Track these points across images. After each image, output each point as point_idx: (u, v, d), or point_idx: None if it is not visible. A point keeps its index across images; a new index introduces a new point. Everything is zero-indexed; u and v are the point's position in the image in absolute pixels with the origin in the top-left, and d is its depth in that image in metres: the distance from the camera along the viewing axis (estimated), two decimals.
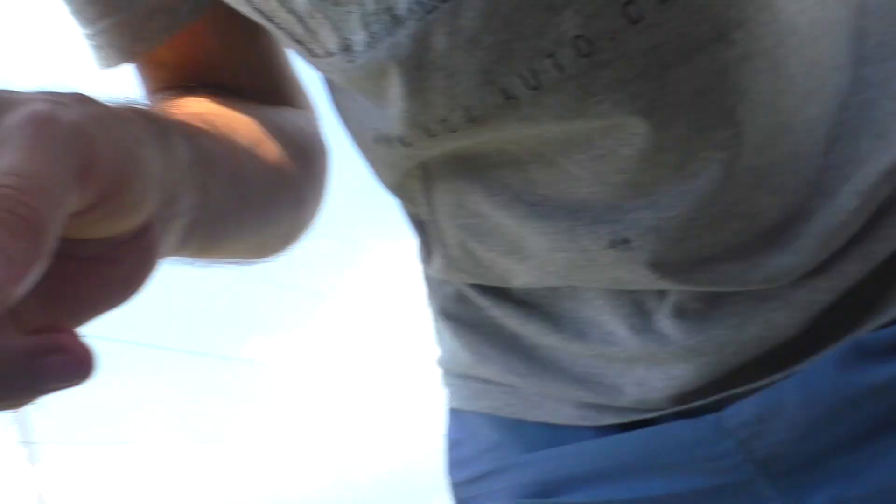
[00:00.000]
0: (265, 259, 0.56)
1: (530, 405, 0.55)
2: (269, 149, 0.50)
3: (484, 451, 0.58)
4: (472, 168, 0.46)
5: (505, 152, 0.44)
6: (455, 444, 0.60)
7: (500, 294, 0.53)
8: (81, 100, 0.31)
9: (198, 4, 0.49)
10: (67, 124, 0.28)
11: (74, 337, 0.27)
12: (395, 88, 0.41)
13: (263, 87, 0.56)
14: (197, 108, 0.48)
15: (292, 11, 0.42)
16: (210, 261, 0.50)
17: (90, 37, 0.51)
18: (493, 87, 0.39)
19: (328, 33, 0.41)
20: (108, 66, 0.52)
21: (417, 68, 0.40)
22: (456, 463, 0.60)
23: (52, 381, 0.27)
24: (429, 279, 0.59)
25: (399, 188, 0.50)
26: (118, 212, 0.30)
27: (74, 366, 0.27)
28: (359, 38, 0.41)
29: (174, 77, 0.54)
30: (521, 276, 0.50)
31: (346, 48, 0.41)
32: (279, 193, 0.51)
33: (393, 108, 0.43)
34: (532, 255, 0.47)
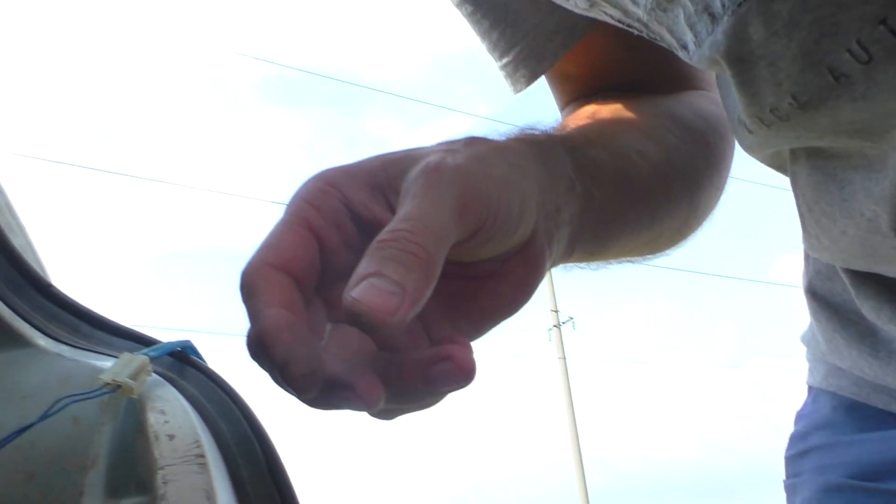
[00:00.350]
0: (660, 254, 0.57)
1: (877, 391, 0.53)
2: (662, 142, 0.52)
3: (819, 428, 0.58)
4: (826, 167, 0.43)
5: (855, 153, 0.40)
6: (798, 419, 0.62)
7: (868, 276, 0.49)
8: (470, 142, 0.38)
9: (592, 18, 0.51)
10: (450, 169, 0.34)
11: (461, 347, 0.33)
12: (731, 79, 0.41)
13: (665, 77, 0.59)
14: (591, 116, 0.53)
15: (638, 20, 0.44)
16: (602, 262, 0.53)
17: (503, 67, 0.59)
18: (818, 67, 0.36)
19: (667, 36, 0.43)
20: (520, 89, 0.59)
21: (739, 61, 0.39)
22: (794, 437, 0.61)
23: (441, 385, 0.33)
24: (805, 252, 0.56)
25: (770, 164, 0.48)
26: (499, 234, 0.36)
27: (459, 372, 0.32)
28: (689, 38, 0.41)
29: (580, 87, 0.60)
30: (884, 272, 0.46)
31: (683, 47, 0.42)
32: (671, 186, 0.52)
33: (735, 96, 0.42)
34: (885, 260, 0.44)
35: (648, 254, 0.57)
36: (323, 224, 0.36)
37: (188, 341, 0.63)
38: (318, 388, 0.31)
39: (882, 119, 0.37)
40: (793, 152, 0.45)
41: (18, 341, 0.63)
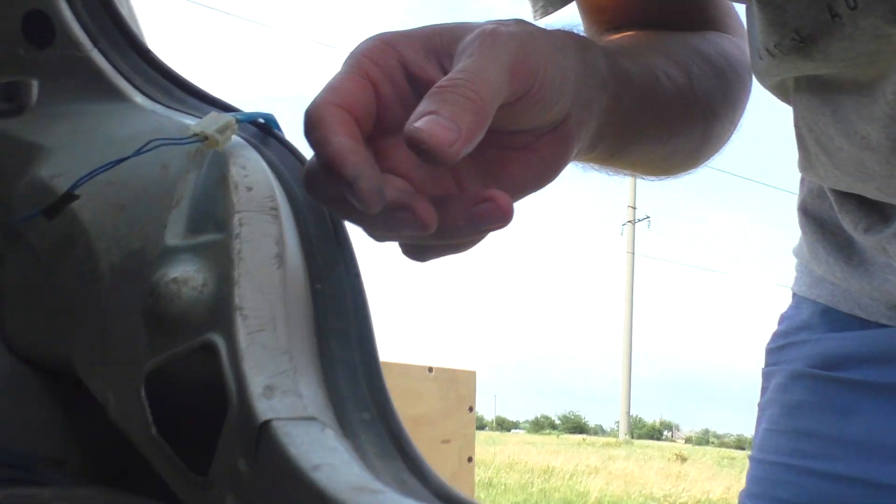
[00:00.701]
0: (669, 175, 0.63)
1: (847, 299, 0.63)
2: (686, 70, 0.56)
3: (797, 328, 0.69)
4: (822, 94, 0.49)
5: (848, 81, 0.47)
6: (781, 320, 0.71)
7: (851, 195, 0.57)
8: (519, 21, 0.41)
9: None
10: (505, 35, 0.38)
11: (502, 193, 0.37)
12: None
13: (693, 19, 0.63)
14: (622, 38, 0.58)
15: None
16: (617, 169, 0.59)
17: None
18: (821, 5, 0.43)
19: None
20: (551, 11, 0.62)
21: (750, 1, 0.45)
22: (775, 334, 0.72)
23: (482, 223, 0.37)
24: (802, 177, 0.65)
25: (776, 94, 0.55)
26: (541, 104, 0.40)
27: (499, 212, 0.37)
28: None
29: (611, 20, 0.63)
30: (865, 192, 0.54)
31: None
32: (690, 109, 0.57)
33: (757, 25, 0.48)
34: (872, 177, 0.50)
35: (660, 172, 0.62)
36: (380, 77, 0.39)
37: (271, 115, 0.67)
38: (382, 204, 0.35)
39: (865, 56, 0.43)
40: (796, 81, 0.51)
41: (118, 96, 0.68)
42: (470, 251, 0.43)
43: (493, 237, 0.42)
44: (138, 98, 0.68)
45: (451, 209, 0.38)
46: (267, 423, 0.51)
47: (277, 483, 0.50)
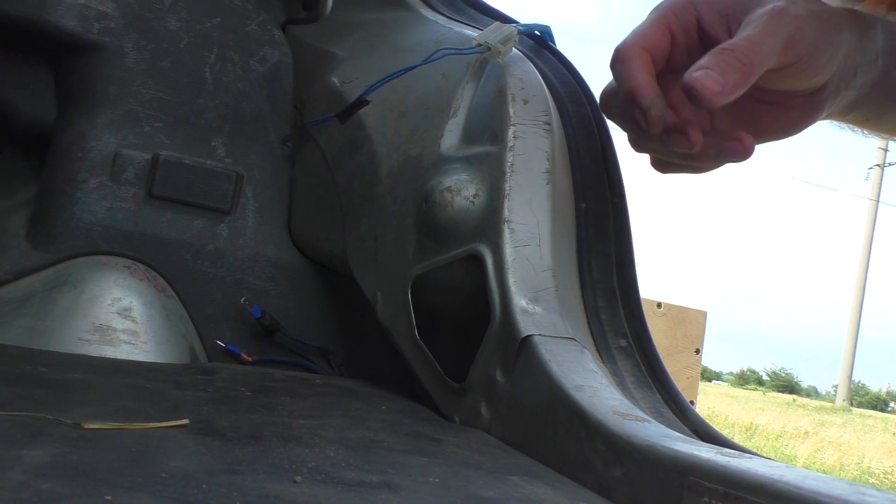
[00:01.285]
0: None
1: None
2: None
3: None
4: None
5: None
6: None
7: None
8: (809, 1, 0.47)
9: None
10: (790, 15, 0.45)
11: (747, 136, 0.46)
12: None
13: None
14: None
15: None
16: (872, 132, 0.62)
17: None
18: None
19: None
20: None
21: None
22: None
23: (727, 155, 0.46)
24: None
25: None
26: (804, 74, 0.46)
27: (742, 150, 0.45)
28: None
29: None
30: None
31: None
32: None
33: None
34: None
35: None
36: (678, 29, 0.47)
37: (547, 26, 0.65)
38: (661, 127, 0.45)
39: None
40: None
41: (402, 6, 0.70)
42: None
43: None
44: (422, 9, 0.69)
45: (707, 139, 0.46)
46: (528, 337, 0.52)
47: (536, 397, 0.51)
